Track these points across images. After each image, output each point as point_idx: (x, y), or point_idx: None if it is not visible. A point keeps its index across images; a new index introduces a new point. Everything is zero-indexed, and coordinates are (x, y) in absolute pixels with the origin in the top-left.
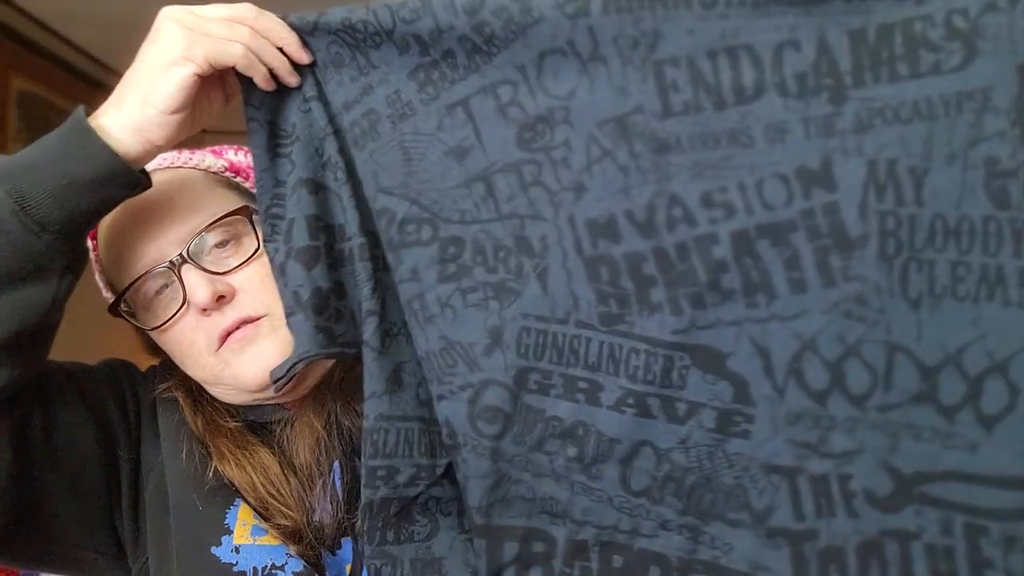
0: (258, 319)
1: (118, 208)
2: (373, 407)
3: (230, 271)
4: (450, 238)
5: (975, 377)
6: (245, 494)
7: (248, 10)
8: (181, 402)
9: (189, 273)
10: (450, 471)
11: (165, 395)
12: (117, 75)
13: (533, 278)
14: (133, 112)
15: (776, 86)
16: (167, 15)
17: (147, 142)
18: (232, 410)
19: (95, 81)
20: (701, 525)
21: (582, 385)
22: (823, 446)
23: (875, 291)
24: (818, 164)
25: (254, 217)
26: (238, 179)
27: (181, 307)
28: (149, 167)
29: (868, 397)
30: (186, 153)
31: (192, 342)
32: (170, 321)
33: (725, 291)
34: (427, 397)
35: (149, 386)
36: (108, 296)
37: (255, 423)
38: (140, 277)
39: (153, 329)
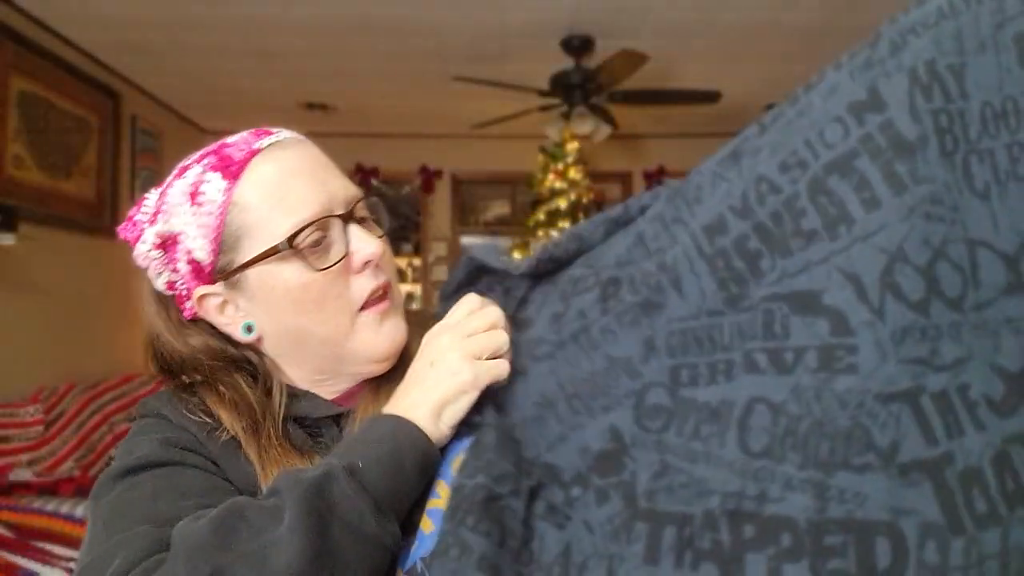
0: (389, 293)
1: (275, 157)
2: (490, 415)
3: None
4: (608, 280)
5: None
6: None
7: (497, 315)
8: (237, 432)
9: (357, 230)
10: (534, 494)
11: (222, 437)
12: (117, 75)
13: (670, 289)
14: (429, 428)
15: (832, 67)
16: (449, 347)
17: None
18: (275, 418)
19: (95, 82)
20: (825, 478)
21: (721, 367)
22: (936, 359)
23: (945, 189)
24: (865, 94)
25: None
26: None
27: (343, 258)
28: (286, 134)
29: (963, 298)
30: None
31: (339, 295)
32: (337, 264)
33: (808, 233)
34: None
35: (204, 440)
36: (207, 256)
37: (303, 420)
38: (317, 221)
39: (321, 269)
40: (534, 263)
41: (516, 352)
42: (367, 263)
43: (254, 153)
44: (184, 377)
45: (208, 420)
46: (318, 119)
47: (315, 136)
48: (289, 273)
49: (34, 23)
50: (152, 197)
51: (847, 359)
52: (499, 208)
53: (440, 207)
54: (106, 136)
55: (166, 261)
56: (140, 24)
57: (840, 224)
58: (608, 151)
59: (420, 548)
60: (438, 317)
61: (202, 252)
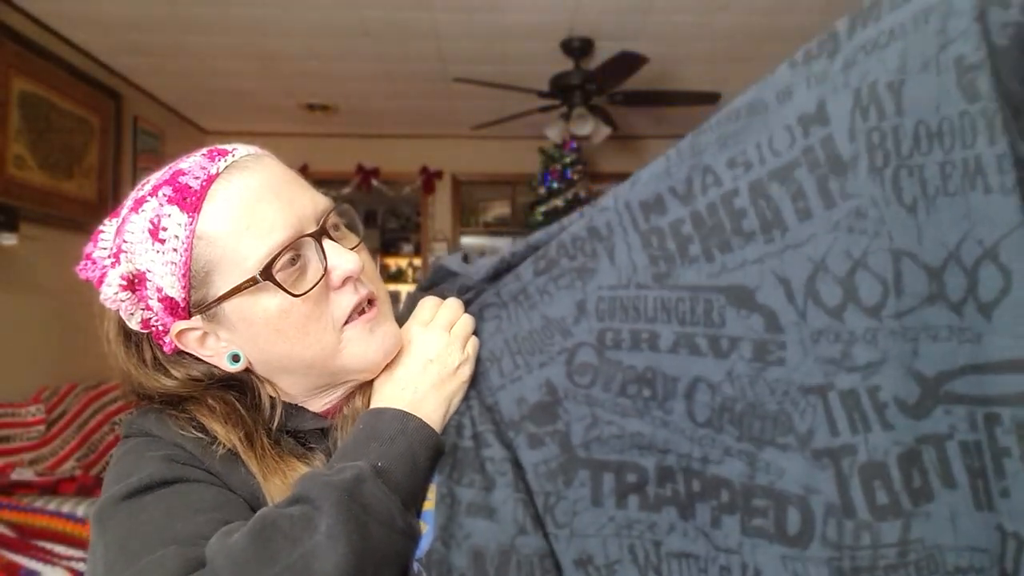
0: (374, 301)
1: (234, 183)
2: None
3: (354, 248)
4: (537, 243)
5: (971, 268)
6: None
7: (458, 302)
8: (234, 443)
9: (330, 245)
10: (502, 437)
11: (219, 451)
12: (119, 76)
13: (604, 256)
14: (438, 424)
15: (789, 62)
16: (440, 342)
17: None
18: (268, 429)
19: (97, 82)
20: (756, 451)
21: (644, 335)
22: (847, 360)
23: (871, 203)
24: (814, 107)
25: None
26: None
27: (321, 278)
28: (252, 150)
29: (882, 306)
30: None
31: (321, 315)
32: (315, 287)
33: (746, 234)
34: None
35: (200, 455)
36: (179, 320)
37: (294, 432)
38: (288, 245)
39: (298, 295)
40: (491, 270)
41: (473, 312)
42: (347, 279)
43: (212, 180)
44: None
45: (202, 435)
46: (319, 120)
47: (316, 137)
48: (267, 302)
49: (36, 24)
50: (109, 231)
51: (777, 353)
52: (499, 208)
53: (440, 207)
54: (107, 136)
55: (136, 300)
56: (141, 25)
57: (775, 228)
58: (608, 152)
59: (416, 550)
60: (402, 317)
61: (172, 290)
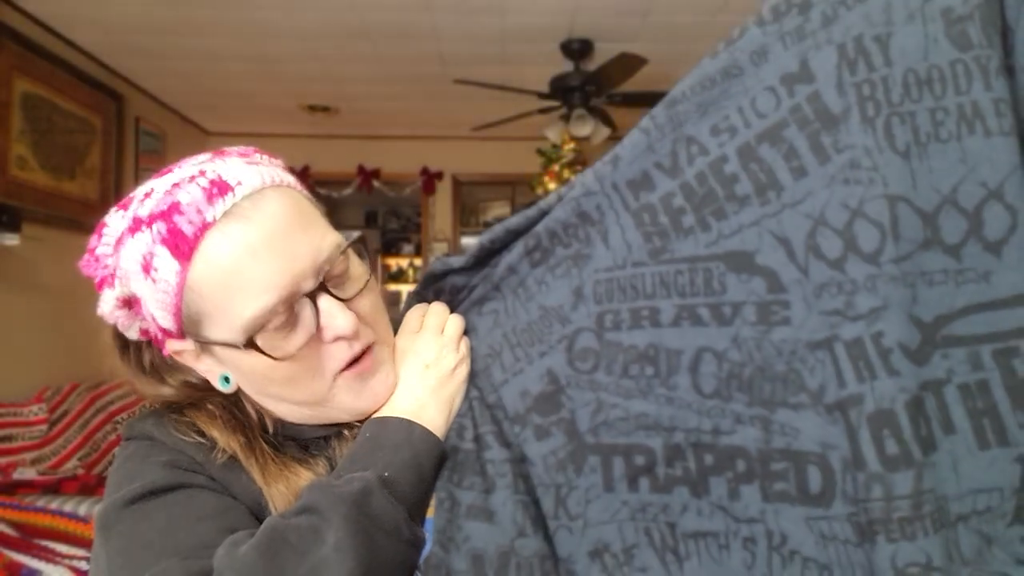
0: (373, 347)
1: (229, 239)
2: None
3: (351, 299)
4: (527, 236)
5: (973, 210)
6: None
7: (443, 305)
8: (235, 449)
9: (328, 304)
10: (502, 439)
11: (220, 458)
12: (121, 77)
13: (598, 240)
14: (441, 429)
15: (755, 22)
16: (436, 346)
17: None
18: (267, 435)
19: (99, 83)
20: (769, 415)
21: (644, 312)
22: (850, 310)
23: (864, 152)
24: (797, 66)
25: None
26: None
27: (310, 338)
28: (257, 184)
29: (881, 252)
30: (276, 165)
31: (311, 367)
32: (304, 349)
33: (741, 198)
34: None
35: (202, 460)
36: (174, 340)
37: (295, 440)
38: (278, 305)
39: (280, 360)
40: (471, 257)
41: (466, 316)
42: (338, 338)
43: (206, 228)
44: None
45: (203, 440)
46: (320, 121)
47: (318, 138)
48: (253, 360)
49: (38, 25)
50: (112, 226)
51: (781, 312)
52: (499, 209)
53: (441, 208)
54: (109, 137)
55: (133, 316)
56: (143, 27)
57: (769, 190)
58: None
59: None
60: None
61: (165, 321)
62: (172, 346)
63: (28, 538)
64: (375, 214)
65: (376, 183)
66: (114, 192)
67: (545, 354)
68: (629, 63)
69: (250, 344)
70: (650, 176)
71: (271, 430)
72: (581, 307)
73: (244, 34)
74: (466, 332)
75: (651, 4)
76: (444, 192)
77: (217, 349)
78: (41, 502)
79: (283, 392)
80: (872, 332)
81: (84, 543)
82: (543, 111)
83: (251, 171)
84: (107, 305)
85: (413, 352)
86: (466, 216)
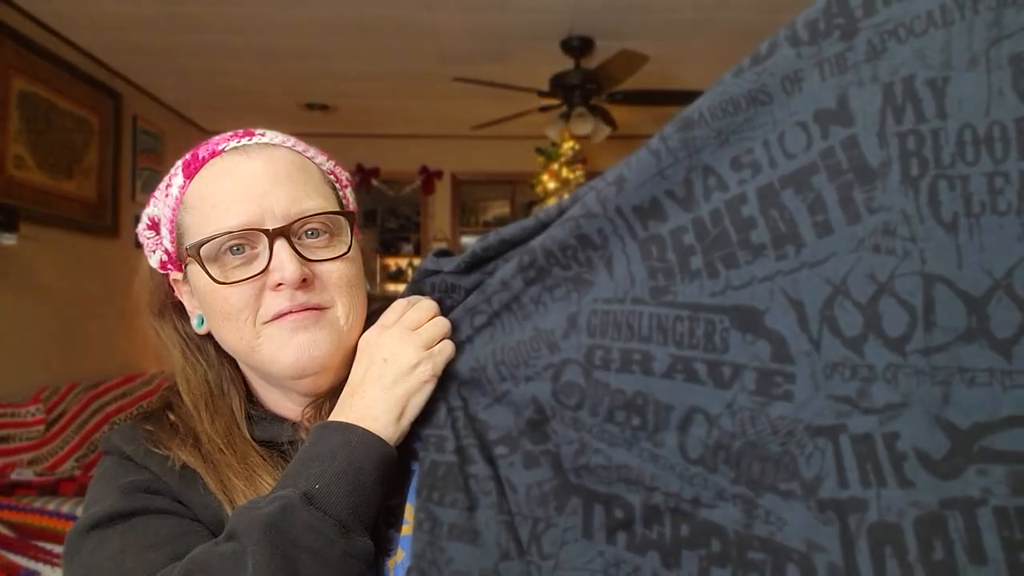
0: (323, 310)
1: (227, 162)
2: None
3: (317, 261)
4: (522, 250)
5: None
6: None
7: (431, 303)
8: (184, 453)
9: (282, 249)
10: (487, 453)
11: (178, 471)
12: (118, 76)
13: (602, 267)
14: (390, 427)
15: (788, 39)
16: (400, 342)
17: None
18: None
19: (96, 82)
20: (754, 496)
21: (636, 356)
22: (863, 400)
23: (902, 219)
24: (834, 102)
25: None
26: (336, 184)
27: (259, 274)
28: (278, 141)
29: (907, 339)
30: (302, 143)
31: (244, 307)
32: (243, 282)
33: (755, 247)
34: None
35: (165, 476)
36: (170, 246)
37: (264, 442)
38: (236, 232)
39: (220, 283)
40: (462, 263)
41: (457, 323)
42: (279, 285)
43: (214, 155)
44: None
45: (167, 453)
46: (318, 119)
47: (315, 137)
48: (200, 277)
49: (35, 23)
50: None
51: (784, 386)
52: (499, 208)
53: (440, 207)
54: (107, 136)
55: (157, 241)
56: (141, 24)
57: (788, 243)
58: (608, 152)
59: (369, 569)
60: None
61: (167, 241)
62: (172, 276)
63: (25, 539)
64: (374, 213)
65: (375, 182)
66: (111, 191)
67: (531, 379)
68: (630, 61)
69: (195, 252)
70: (661, 204)
71: (243, 430)
72: (573, 336)
73: (242, 31)
74: (456, 339)
75: (652, 1)
76: (443, 191)
77: (191, 275)
78: (38, 503)
79: (221, 329)
80: (885, 431)
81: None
82: (543, 109)
83: (282, 136)
84: (141, 224)
85: (376, 344)
86: (466, 215)
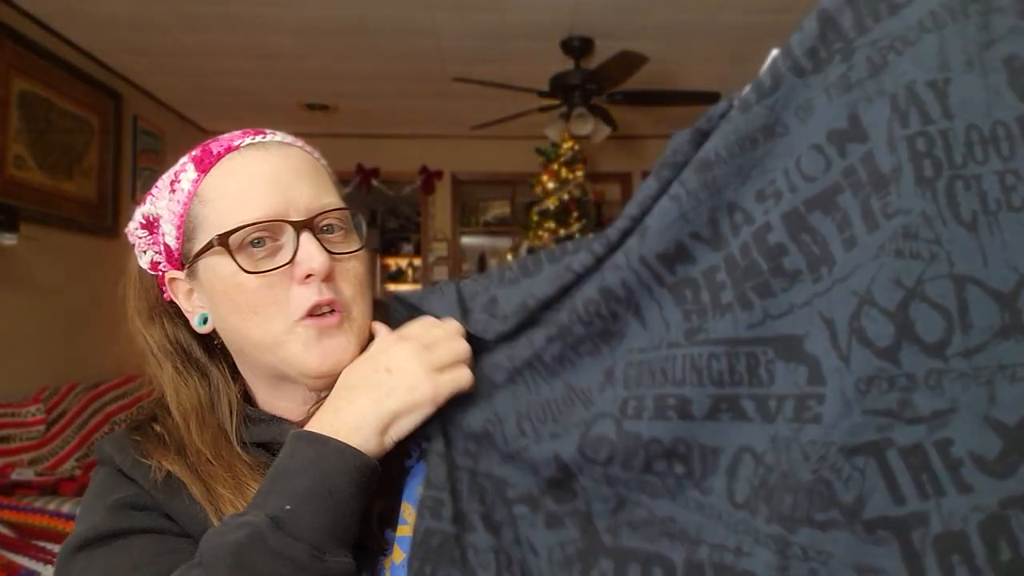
0: (342, 311)
1: (246, 157)
2: (436, 446)
3: (337, 255)
4: (549, 310)
5: None
6: None
7: (456, 326)
8: (169, 463)
9: (309, 241)
10: (489, 520)
11: (162, 481)
12: (118, 76)
13: (630, 317)
14: (372, 441)
15: (792, 69)
16: (409, 356)
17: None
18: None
19: (96, 82)
20: (787, 535)
21: (671, 402)
22: (907, 410)
23: (923, 221)
24: (845, 121)
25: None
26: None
27: (286, 264)
28: (289, 140)
29: (947, 344)
30: (308, 146)
31: (276, 300)
32: (272, 272)
33: (791, 273)
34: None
35: (152, 491)
36: (174, 243)
37: (261, 444)
38: (262, 222)
39: (250, 272)
40: (514, 325)
41: (478, 371)
42: (308, 276)
43: (229, 150)
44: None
45: (151, 463)
46: (318, 119)
47: (315, 137)
48: (225, 270)
49: (35, 23)
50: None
51: (815, 409)
52: (499, 208)
53: (440, 207)
54: (107, 136)
55: (150, 241)
56: (141, 24)
57: (823, 265)
58: (608, 152)
59: None
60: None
61: (170, 238)
62: (170, 275)
63: (26, 539)
64: (374, 213)
65: (375, 182)
66: (111, 191)
67: (556, 436)
68: (630, 61)
69: (223, 242)
70: (686, 248)
71: (235, 433)
72: (608, 390)
73: (242, 31)
74: (475, 389)
75: (652, 2)
76: (443, 191)
77: (201, 269)
78: (39, 503)
79: (244, 323)
80: (936, 439)
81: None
82: (543, 109)
83: (291, 137)
84: (133, 223)
85: (386, 352)
86: (466, 215)
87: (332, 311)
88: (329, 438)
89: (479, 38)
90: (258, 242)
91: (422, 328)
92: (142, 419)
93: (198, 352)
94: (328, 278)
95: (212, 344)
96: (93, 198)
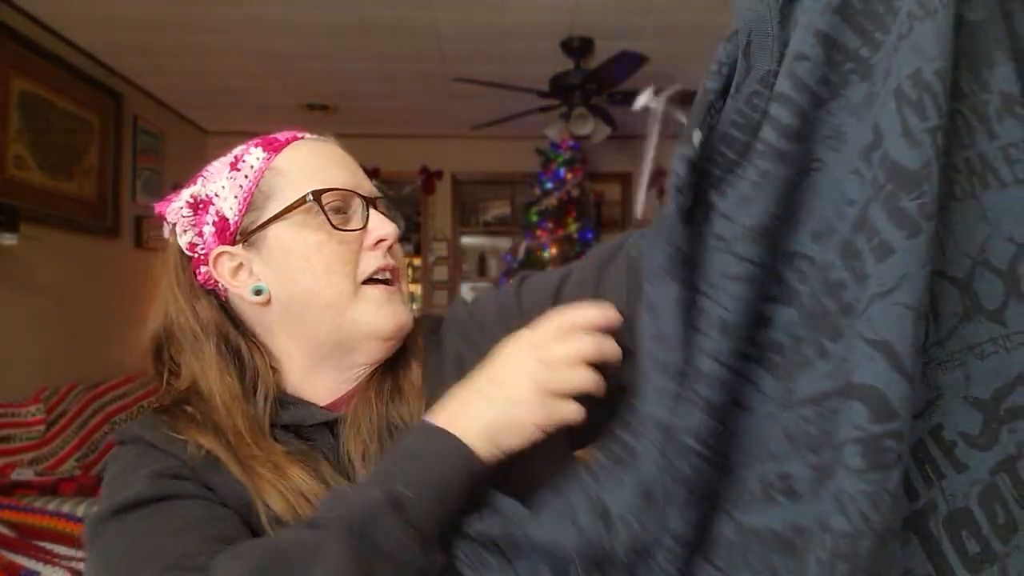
0: (397, 283)
1: (311, 144)
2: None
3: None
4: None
5: (1007, 267)
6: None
7: (588, 346)
8: (206, 440)
9: (375, 212)
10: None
11: (201, 456)
12: (119, 76)
13: (735, 411)
14: (485, 448)
15: (812, 103)
16: (524, 371)
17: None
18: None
19: (97, 82)
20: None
21: (775, 483)
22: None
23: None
24: (871, 134)
25: None
26: None
27: (360, 228)
28: (319, 135)
29: (926, 338)
30: None
31: (348, 262)
32: (355, 231)
33: (846, 306)
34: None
35: (190, 463)
36: (234, 215)
37: (287, 426)
38: (346, 189)
39: (340, 229)
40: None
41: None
42: (380, 241)
43: (296, 138)
44: (171, 377)
45: (186, 438)
46: (318, 119)
47: None
48: (307, 234)
49: (35, 23)
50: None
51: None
52: (499, 208)
53: (440, 207)
54: (107, 136)
55: (193, 222)
56: (141, 25)
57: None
58: (608, 152)
59: None
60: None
61: (230, 211)
62: (218, 250)
63: (26, 539)
64: None
65: (375, 182)
66: (111, 191)
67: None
68: (630, 61)
69: (316, 197)
70: (764, 313)
71: (267, 418)
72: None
73: (243, 31)
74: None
75: (652, 2)
76: (443, 191)
77: (269, 236)
78: (39, 503)
79: (318, 283)
80: (930, 427)
81: (82, 544)
82: (543, 110)
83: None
84: (178, 203)
85: (501, 356)
86: (466, 216)
87: (392, 280)
88: (457, 438)
89: (479, 38)
90: (335, 209)
91: (551, 333)
92: (167, 404)
93: (234, 335)
94: (391, 248)
95: (246, 329)
96: (93, 198)
